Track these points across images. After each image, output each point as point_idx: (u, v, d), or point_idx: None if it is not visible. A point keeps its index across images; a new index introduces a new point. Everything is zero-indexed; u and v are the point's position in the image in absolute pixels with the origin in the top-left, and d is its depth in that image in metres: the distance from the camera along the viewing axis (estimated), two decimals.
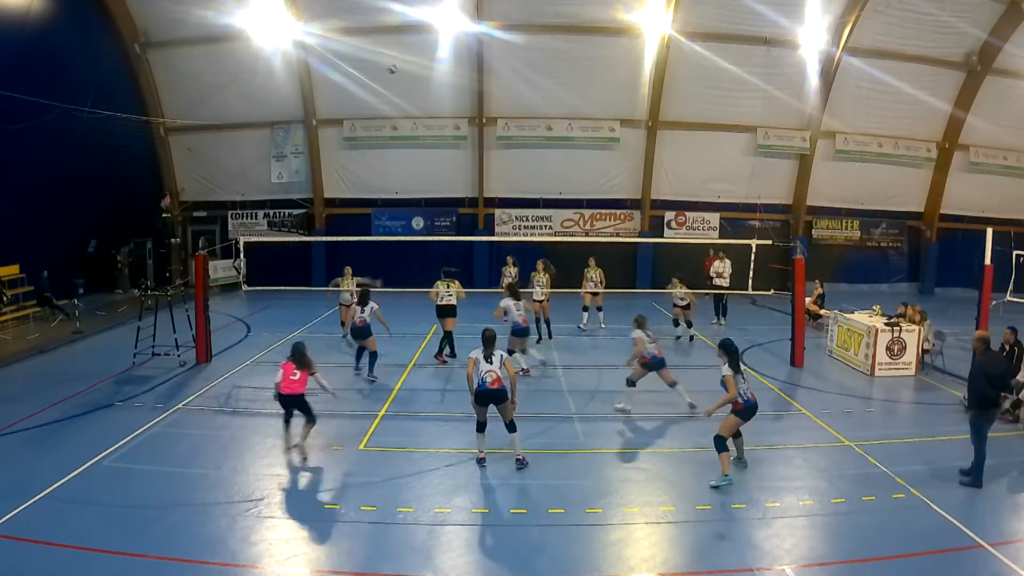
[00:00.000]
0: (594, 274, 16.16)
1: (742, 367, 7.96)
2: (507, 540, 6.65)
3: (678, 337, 15.47)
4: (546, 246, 19.85)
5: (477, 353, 8.20)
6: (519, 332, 11.97)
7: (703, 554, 6.47)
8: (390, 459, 8.56)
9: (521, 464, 8.21)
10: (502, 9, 20.60)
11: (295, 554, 6.30)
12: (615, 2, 20.12)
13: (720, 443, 7.77)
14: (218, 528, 6.71)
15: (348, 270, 14.87)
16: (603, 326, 16.34)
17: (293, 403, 8.56)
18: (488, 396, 8.09)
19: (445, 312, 13.25)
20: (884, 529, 6.82)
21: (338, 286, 14.77)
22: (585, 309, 16.40)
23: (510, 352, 11.45)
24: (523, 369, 12.02)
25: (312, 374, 8.62)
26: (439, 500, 7.38)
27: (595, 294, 16.24)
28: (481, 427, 8.31)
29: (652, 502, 7.46)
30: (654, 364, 10.21)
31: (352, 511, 7.13)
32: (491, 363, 8.09)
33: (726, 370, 7.80)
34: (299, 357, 8.64)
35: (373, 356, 11.99)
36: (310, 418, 8.62)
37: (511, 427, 8.23)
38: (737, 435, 8.14)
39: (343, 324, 14.84)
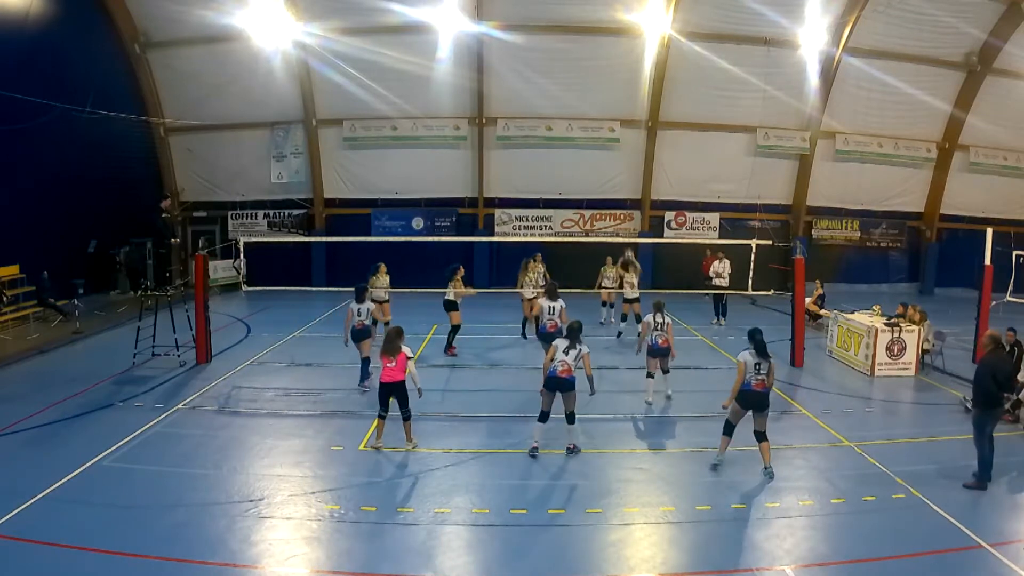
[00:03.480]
0: (611, 272, 16.72)
1: (767, 360, 7.96)
2: (507, 540, 6.64)
3: (602, 322, 16.59)
4: (546, 246, 19.87)
5: (561, 342, 8.51)
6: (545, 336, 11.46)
7: (703, 554, 6.47)
8: (390, 459, 8.55)
9: (572, 451, 8.62)
10: (502, 9, 20.60)
11: (295, 554, 6.30)
12: (615, 2, 20.11)
13: (726, 426, 8.20)
14: (218, 528, 6.71)
15: (382, 266, 14.12)
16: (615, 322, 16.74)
17: (390, 391, 8.52)
18: (555, 383, 8.43)
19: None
20: (884, 529, 6.82)
21: (373, 285, 13.56)
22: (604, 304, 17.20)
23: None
24: None
25: (409, 358, 8.51)
26: (439, 500, 7.38)
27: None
28: (543, 417, 8.55)
29: (652, 502, 7.46)
30: (655, 351, 10.58)
31: (352, 511, 7.13)
32: (567, 355, 8.38)
33: (741, 355, 8.11)
34: (385, 343, 8.57)
35: (365, 363, 11.34)
36: (405, 410, 8.60)
37: (570, 419, 8.61)
38: (761, 438, 8.02)
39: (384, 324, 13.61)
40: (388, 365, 8.45)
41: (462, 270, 14.09)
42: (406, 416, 8.65)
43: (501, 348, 14.51)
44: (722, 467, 8.19)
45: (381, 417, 8.70)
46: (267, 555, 6.27)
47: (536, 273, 15.43)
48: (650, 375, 10.68)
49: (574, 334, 8.53)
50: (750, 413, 8.05)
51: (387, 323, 13.57)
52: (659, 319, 10.49)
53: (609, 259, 16.90)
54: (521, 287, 14.93)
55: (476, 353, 14.00)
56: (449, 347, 13.75)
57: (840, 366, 13.62)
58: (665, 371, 10.80)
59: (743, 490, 7.70)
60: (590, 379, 8.61)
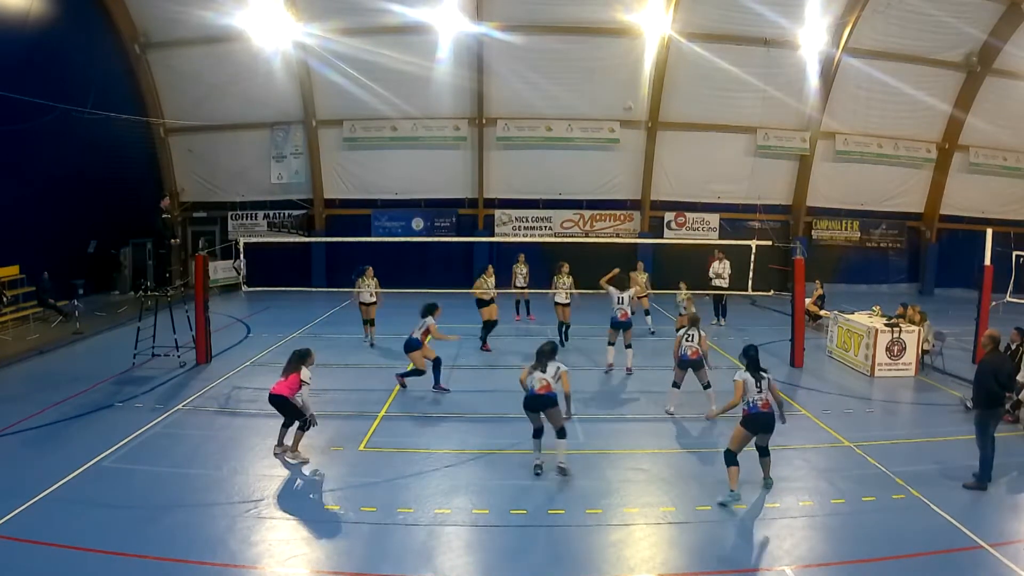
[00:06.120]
0: (641, 278, 16.40)
1: (764, 376, 7.50)
2: (507, 540, 6.64)
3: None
4: (546, 247, 19.89)
5: (531, 363, 8.14)
6: (617, 325, 12.14)
7: (703, 554, 6.47)
8: (390, 460, 8.56)
9: (563, 472, 8.01)
10: (502, 10, 20.60)
11: (295, 554, 6.30)
12: (615, 2, 20.12)
13: (728, 456, 7.44)
14: (218, 528, 6.71)
15: (369, 269, 14.73)
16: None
17: (275, 404, 8.49)
18: (533, 401, 7.97)
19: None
20: (884, 529, 6.82)
21: (359, 287, 14.47)
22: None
23: (609, 343, 12.27)
24: (627, 368, 12.34)
25: (304, 383, 8.38)
26: (439, 501, 7.38)
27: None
28: (537, 433, 8.10)
29: (652, 502, 7.46)
30: (684, 363, 10.22)
31: (352, 512, 7.13)
32: (545, 372, 7.99)
33: (738, 374, 7.62)
34: (287, 361, 8.66)
35: (437, 363, 11.36)
36: (299, 422, 8.41)
37: (560, 433, 8.06)
38: (764, 454, 7.67)
39: (365, 323, 14.79)
40: (280, 379, 8.53)
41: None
42: (300, 426, 8.44)
43: (502, 347, 14.49)
44: (720, 466, 7.89)
45: (284, 425, 8.64)
46: (267, 555, 6.27)
47: (528, 274, 15.51)
48: (676, 385, 10.33)
49: (543, 356, 8.08)
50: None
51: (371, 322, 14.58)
52: (691, 332, 10.24)
53: (640, 264, 17.33)
54: (554, 290, 14.85)
55: (477, 353, 14.00)
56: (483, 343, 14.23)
57: (840, 366, 13.62)
58: (705, 385, 10.30)
59: (743, 490, 7.66)
60: (568, 399, 8.10)
